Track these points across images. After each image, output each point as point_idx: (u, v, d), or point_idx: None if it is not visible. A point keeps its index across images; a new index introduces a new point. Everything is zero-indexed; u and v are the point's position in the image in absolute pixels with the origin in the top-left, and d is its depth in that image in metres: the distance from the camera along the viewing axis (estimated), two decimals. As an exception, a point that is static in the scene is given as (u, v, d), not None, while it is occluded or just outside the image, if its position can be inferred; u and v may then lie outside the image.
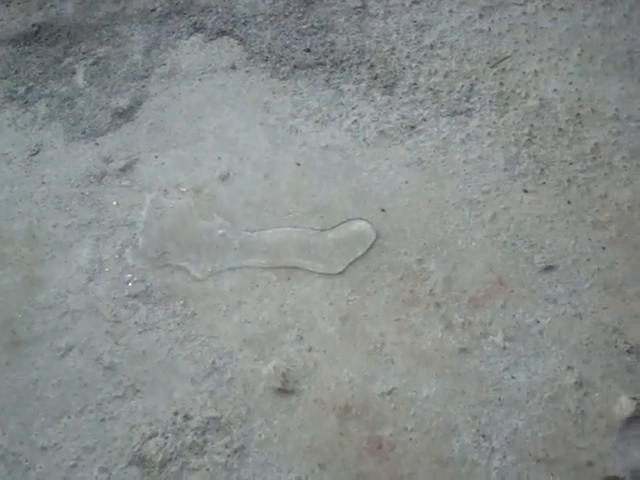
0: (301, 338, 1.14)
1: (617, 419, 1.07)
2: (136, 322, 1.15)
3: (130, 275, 1.20)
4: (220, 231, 1.24)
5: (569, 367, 1.11)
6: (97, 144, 1.38)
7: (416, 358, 1.12)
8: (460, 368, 1.11)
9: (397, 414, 1.07)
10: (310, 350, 1.13)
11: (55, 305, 1.17)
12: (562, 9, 1.59)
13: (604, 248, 1.22)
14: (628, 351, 1.12)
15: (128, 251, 1.23)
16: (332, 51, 1.53)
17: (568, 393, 1.10)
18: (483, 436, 1.06)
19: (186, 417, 1.07)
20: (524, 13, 1.58)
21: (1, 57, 1.50)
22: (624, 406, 1.07)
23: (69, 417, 1.08)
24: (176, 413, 1.07)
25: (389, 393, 1.09)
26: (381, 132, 1.39)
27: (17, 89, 1.47)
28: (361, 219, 1.24)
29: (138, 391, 1.10)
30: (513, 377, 1.11)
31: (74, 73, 1.49)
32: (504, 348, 1.13)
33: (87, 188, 1.31)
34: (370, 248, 1.22)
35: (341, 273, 1.20)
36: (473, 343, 1.14)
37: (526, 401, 1.09)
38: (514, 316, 1.17)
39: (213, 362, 1.12)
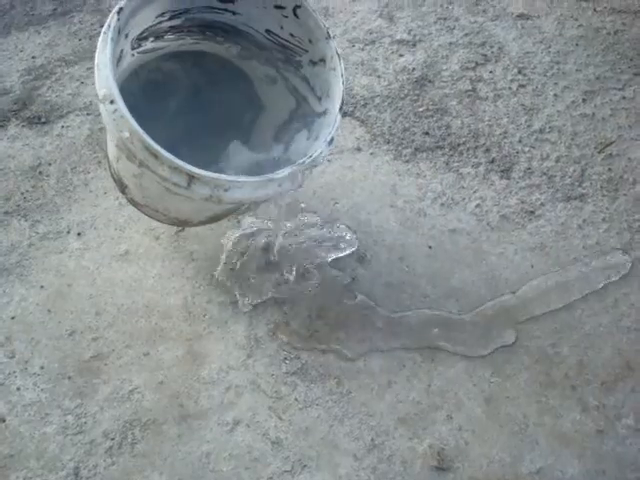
0: (450, 418, 1.24)
1: None
2: (296, 399, 1.26)
3: (286, 353, 1.31)
4: (364, 311, 1.35)
5: (698, 450, 1.21)
6: (238, 221, 1.49)
7: (558, 439, 1.23)
8: (599, 449, 1.22)
9: (546, 493, 1.18)
10: (460, 429, 1.23)
11: (218, 380, 1.28)
12: (658, 94, 1.71)
13: None
14: None
15: (280, 330, 1.33)
16: (449, 134, 1.64)
17: (698, 474, 1.20)
18: (626, 515, 1.16)
19: (353, 492, 1.17)
20: (624, 98, 1.70)
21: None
22: None
23: (243, 490, 1.18)
24: (343, 488, 1.18)
25: (537, 472, 1.19)
26: (503, 216, 1.51)
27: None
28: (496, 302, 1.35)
29: (305, 466, 1.20)
30: (647, 458, 1.21)
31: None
32: (637, 430, 1.24)
33: (235, 265, 1.42)
34: (507, 332, 1.32)
35: (481, 356, 1.31)
36: (608, 425, 1.24)
37: (661, 482, 1.20)
38: (643, 400, 1.27)
39: (372, 439, 1.22)
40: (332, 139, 1.15)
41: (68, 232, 1.48)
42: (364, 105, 1.70)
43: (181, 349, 1.33)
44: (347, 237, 1.47)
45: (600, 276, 1.40)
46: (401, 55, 1.82)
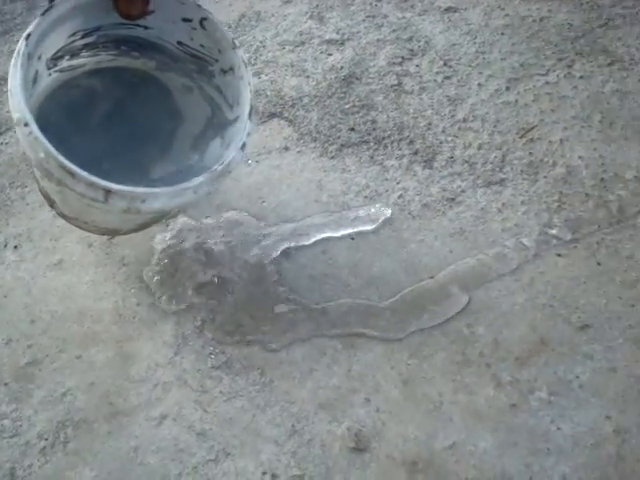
0: (368, 400, 1.29)
1: (654, 464, 1.21)
2: (221, 391, 1.31)
3: (211, 348, 1.36)
4: (289, 304, 1.40)
5: (607, 417, 1.26)
6: (167, 225, 1.54)
7: (472, 415, 1.27)
8: (512, 422, 1.27)
9: (459, 466, 1.23)
10: (377, 411, 1.28)
11: (147, 378, 1.33)
12: (582, 77, 1.76)
13: (633, 305, 1.38)
14: (661, 401, 1.27)
15: (207, 326, 1.39)
16: (374, 129, 1.69)
17: (608, 440, 1.25)
18: (536, 484, 1.21)
19: (273, 476, 1.22)
20: (547, 83, 1.75)
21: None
22: (660, 452, 1.22)
23: (169, 480, 1.23)
24: (264, 473, 1.23)
25: (450, 447, 1.24)
26: (424, 205, 1.56)
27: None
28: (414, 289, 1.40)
29: (229, 454, 1.25)
30: (559, 428, 1.26)
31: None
32: (549, 402, 1.29)
33: (164, 267, 1.47)
34: (424, 315, 1.37)
35: (399, 339, 1.36)
36: (522, 399, 1.29)
37: (571, 449, 1.24)
38: (556, 373, 1.32)
39: (293, 425, 1.27)
40: (244, 144, 1.20)
41: (5, 245, 1.53)
42: (292, 105, 1.75)
43: (112, 351, 1.38)
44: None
45: (517, 257, 1.45)
46: (330, 54, 1.88)
